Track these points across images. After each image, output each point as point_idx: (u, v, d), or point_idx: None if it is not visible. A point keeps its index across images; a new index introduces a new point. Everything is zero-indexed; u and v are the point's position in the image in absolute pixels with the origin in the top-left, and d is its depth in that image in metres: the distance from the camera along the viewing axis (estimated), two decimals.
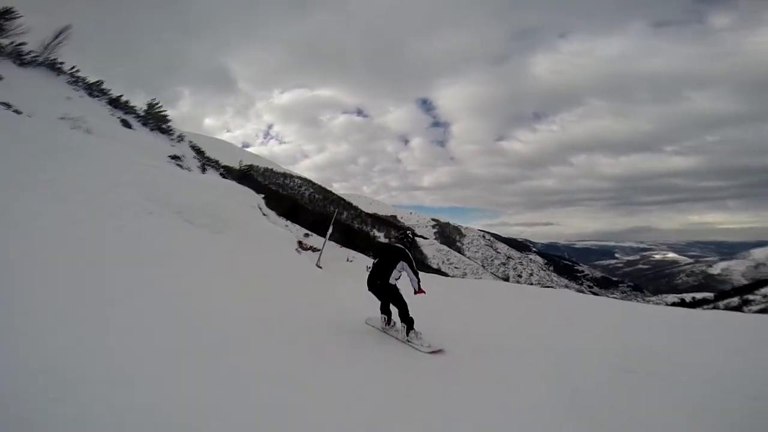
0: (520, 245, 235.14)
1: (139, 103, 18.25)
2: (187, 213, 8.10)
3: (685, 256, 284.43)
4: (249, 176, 38.29)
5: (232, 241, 8.39)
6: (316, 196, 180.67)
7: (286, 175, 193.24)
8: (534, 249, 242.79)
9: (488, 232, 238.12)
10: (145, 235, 6.38)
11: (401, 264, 4.89)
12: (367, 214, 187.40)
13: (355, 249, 29.64)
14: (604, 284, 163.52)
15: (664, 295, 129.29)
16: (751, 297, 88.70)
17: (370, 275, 5.05)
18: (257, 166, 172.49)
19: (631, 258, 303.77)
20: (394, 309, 5.05)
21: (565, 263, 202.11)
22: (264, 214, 14.33)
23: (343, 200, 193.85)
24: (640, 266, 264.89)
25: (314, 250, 23.94)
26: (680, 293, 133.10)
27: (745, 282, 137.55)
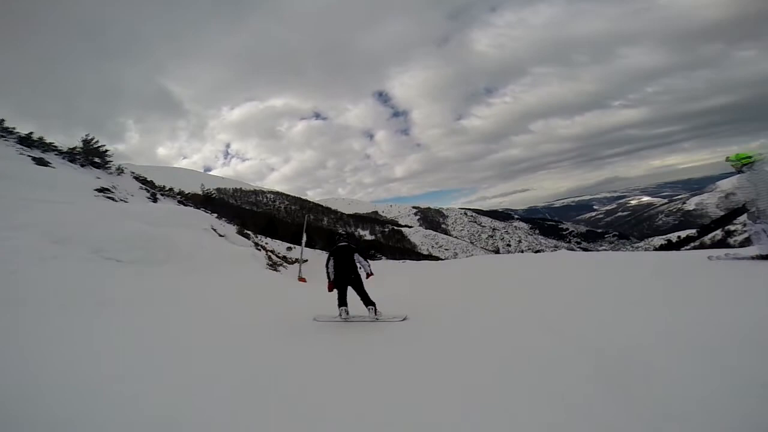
0: (502, 215, 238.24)
1: (74, 141, 17.30)
2: (109, 250, 6.88)
3: (658, 197, 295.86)
4: (213, 200, 35.83)
5: (173, 273, 7.40)
6: (292, 207, 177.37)
7: (257, 192, 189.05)
8: (516, 216, 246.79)
9: (469, 209, 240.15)
10: (42, 281, 5.28)
11: (356, 256, 5.74)
12: (348, 215, 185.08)
13: None
14: (591, 237, 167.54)
15: (650, 239, 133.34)
16: (731, 227, 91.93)
17: (339, 274, 5.68)
18: (226, 188, 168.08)
19: (609, 208, 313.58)
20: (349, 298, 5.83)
21: (549, 224, 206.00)
22: (221, 235, 13.50)
23: (321, 206, 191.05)
24: (620, 214, 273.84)
25: (300, 262, 22.01)
26: (664, 234, 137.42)
27: (721, 213, 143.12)
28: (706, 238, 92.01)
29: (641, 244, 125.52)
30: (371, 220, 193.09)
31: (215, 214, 18.33)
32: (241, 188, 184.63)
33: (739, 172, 6.06)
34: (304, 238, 15.92)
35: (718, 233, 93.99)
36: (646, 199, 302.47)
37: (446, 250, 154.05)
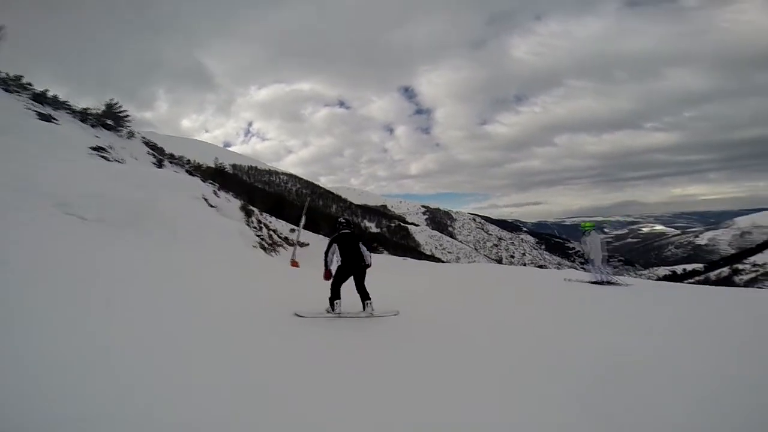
0: (511, 226, 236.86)
1: (99, 105, 17.83)
2: (75, 206, 6.69)
3: (672, 227, 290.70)
4: (225, 173, 36.76)
5: (138, 237, 7.03)
6: (303, 190, 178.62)
7: (271, 172, 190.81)
8: (524, 229, 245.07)
9: (478, 215, 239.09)
10: None
11: (360, 245, 5.50)
12: (357, 205, 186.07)
13: None
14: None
15: (655, 268, 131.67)
16: (740, 266, 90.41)
17: (350, 262, 5.41)
18: (241, 165, 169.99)
19: (619, 232, 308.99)
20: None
21: (556, 241, 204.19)
22: (211, 206, 13.29)
23: (332, 194, 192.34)
24: (630, 240, 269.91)
25: (302, 245, 22.81)
26: (670, 265, 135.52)
27: (732, 251, 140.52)
28: (712, 274, 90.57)
29: (645, 272, 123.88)
30: (379, 213, 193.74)
31: (215, 186, 18.99)
32: (256, 167, 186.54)
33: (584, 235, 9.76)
34: (303, 221, 15.97)
35: (725, 270, 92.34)
36: (659, 227, 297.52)
37: (449, 252, 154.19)
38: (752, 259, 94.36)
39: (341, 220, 5.87)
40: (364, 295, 5.34)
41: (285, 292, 6.77)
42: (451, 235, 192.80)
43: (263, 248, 13.90)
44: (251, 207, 20.21)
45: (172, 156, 21.58)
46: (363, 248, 5.40)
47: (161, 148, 21.39)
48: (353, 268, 5.37)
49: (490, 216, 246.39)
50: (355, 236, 5.50)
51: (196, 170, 23.08)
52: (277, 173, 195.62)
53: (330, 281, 5.33)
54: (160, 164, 17.62)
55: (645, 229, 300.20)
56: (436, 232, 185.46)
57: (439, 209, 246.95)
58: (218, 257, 8.24)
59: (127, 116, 18.47)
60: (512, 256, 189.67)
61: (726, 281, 72.82)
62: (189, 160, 24.72)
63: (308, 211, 17.50)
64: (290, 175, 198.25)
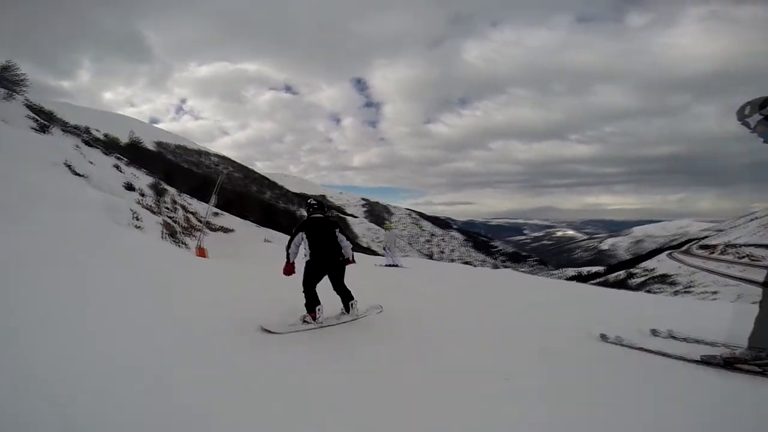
0: (443, 223, 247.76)
1: None
2: None
3: (581, 233, 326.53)
4: (140, 148, 33.64)
5: None
6: (236, 174, 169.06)
7: (201, 153, 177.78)
8: (455, 226, 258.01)
9: (414, 211, 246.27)
10: None
11: (338, 234, 4.40)
12: (294, 193, 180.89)
13: (276, 229, 28.11)
14: (515, 258, 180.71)
15: (564, 269, 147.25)
16: (633, 270, 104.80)
17: (322, 256, 4.26)
18: (167, 143, 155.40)
19: (537, 234, 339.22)
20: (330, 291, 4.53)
21: (482, 239, 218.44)
22: (77, 174, 10.81)
23: (267, 179, 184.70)
24: (545, 242, 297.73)
25: (225, 230, 21.96)
26: (578, 267, 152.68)
27: (629, 256, 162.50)
28: (611, 277, 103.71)
29: (556, 272, 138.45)
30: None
31: (124, 160, 17.18)
32: (185, 146, 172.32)
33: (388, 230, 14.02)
34: (214, 200, 14.17)
35: (621, 273, 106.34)
36: (570, 232, 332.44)
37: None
38: (643, 264, 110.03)
39: (311, 201, 4.68)
40: (346, 295, 4.39)
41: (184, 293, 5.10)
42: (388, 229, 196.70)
43: (172, 233, 12.46)
44: (165, 186, 18.76)
45: (66, 124, 18.90)
46: (341, 237, 4.33)
47: (50, 112, 18.61)
48: (327, 263, 4.28)
49: (425, 212, 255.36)
50: (330, 222, 4.38)
51: (97, 142, 20.70)
52: (207, 154, 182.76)
53: (289, 276, 4.25)
54: (42, 129, 14.98)
55: (559, 233, 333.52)
56: (373, 225, 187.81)
57: (378, 203, 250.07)
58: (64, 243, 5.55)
59: (23, 80, 16.22)
60: (442, 252, 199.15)
61: (622, 283, 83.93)
62: (86, 128, 22.13)
63: (222, 190, 16.00)
64: (222, 158, 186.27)
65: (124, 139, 35.21)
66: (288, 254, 4.25)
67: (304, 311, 4.10)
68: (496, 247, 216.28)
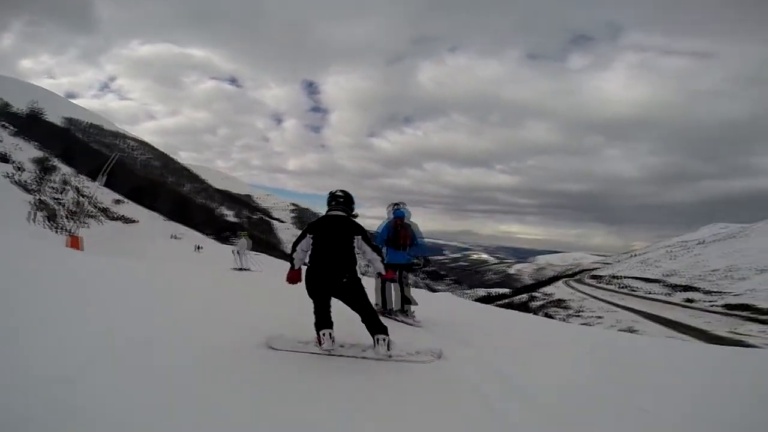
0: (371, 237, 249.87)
1: None
2: None
3: (493, 257, 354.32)
4: (39, 120, 29.25)
5: None
6: (154, 163, 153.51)
7: (117, 135, 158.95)
8: None
9: None
10: None
11: (357, 241, 3.21)
12: (217, 189, 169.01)
13: (188, 225, 26.07)
14: (434, 277, 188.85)
15: (477, 289, 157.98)
16: (535, 294, 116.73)
17: (319, 270, 3.14)
18: (79, 120, 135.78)
19: (456, 256, 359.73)
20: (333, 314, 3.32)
21: None
22: None
23: (188, 171, 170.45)
24: (462, 263, 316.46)
25: (127, 221, 19.85)
26: (488, 288, 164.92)
27: (531, 281, 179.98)
28: (516, 299, 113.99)
29: (469, 291, 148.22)
30: (242, 202, 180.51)
31: (9, 128, 14.95)
32: (101, 126, 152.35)
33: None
34: (102, 180, 12.58)
35: (524, 296, 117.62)
36: (484, 256, 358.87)
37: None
38: (543, 289, 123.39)
39: (337, 192, 3.44)
40: (375, 326, 3.13)
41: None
42: None
43: (51, 215, 10.68)
44: (56, 164, 16.52)
45: None
46: (364, 247, 3.23)
47: None
48: (326, 281, 3.13)
49: None
50: (349, 225, 3.26)
51: None
52: (125, 137, 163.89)
53: (294, 284, 3.32)
54: None
55: (474, 256, 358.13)
56: (300, 231, 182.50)
57: (308, 209, 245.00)
58: None
59: None
60: (368, 266, 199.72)
61: (524, 305, 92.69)
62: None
63: (112, 171, 14.31)
64: (142, 143, 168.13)
65: (23, 108, 30.13)
66: (292, 259, 3.30)
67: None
68: (418, 264, 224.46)
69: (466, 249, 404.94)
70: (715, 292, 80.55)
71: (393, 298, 5.02)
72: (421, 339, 3.77)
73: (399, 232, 4.92)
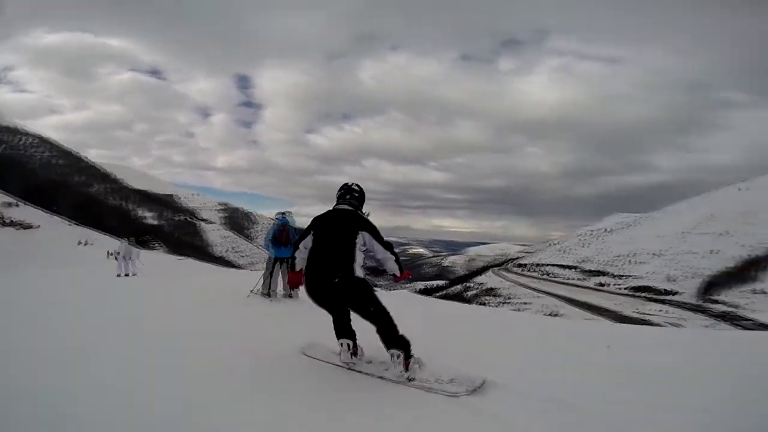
0: None
1: None
2: None
3: (429, 250, 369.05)
4: None
5: None
6: (57, 161, 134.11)
7: (13, 130, 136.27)
8: None
9: None
10: None
11: (362, 237, 2.77)
12: (134, 189, 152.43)
13: (100, 229, 23.10)
14: (376, 272, 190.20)
15: (416, 282, 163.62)
16: (469, 284, 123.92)
17: (313, 270, 2.76)
18: None
19: (396, 251, 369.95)
20: (355, 324, 2.93)
21: None
22: None
23: (98, 169, 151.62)
24: (402, 258, 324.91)
25: (22, 226, 17.02)
26: (425, 281, 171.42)
27: (464, 273, 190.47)
28: (451, 290, 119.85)
29: (409, 285, 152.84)
30: (163, 203, 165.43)
31: None
32: None
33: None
34: None
35: (459, 287, 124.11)
36: (421, 249, 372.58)
37: (245, 256, 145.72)
38: (476, 279, 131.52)
39: (352, 185, 3.11)
40: (390, 339, 2.64)
41: None
42: (249, 238, 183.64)
43: None
44: None
45: None
46: (372, 244, 2.82)
47: None
48: (318, 285, 2.75)
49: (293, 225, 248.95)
50: (353, 219, 2.86)
51: None
52: (23, 133, 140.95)
53: (298, 288, 3.00)
54: None
55: (412, 250, 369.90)
56: (231, 233, 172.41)
57: (239, 209, 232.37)
58: None
59: None
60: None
61: (460, 296, 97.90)
62: None
63: (36, 178, 13.12)
64: (43, 139, 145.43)
65: None
66: (293, 258, 2.98)
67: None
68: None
69: (405, 243, 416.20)
70: (621, 275, 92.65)
71: (280, 285, 6.41)
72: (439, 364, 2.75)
73: (282, 234, 6.31)
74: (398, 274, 2.91)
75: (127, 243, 13.41)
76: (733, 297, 67.37)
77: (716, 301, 67.30)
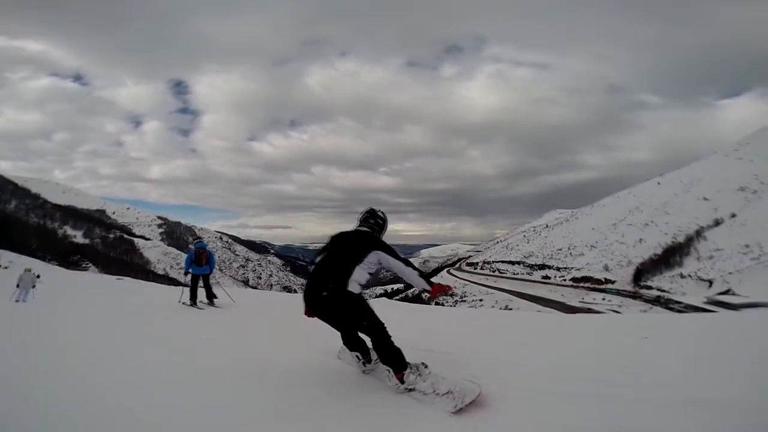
0: (259, 247, 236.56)
1: None
2: None
3: None
4: None
5: None
6: None
7: None
8: (272, 251, 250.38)
9: (226, 234, 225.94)
10: None
11: (374, 255, 2.64)
12: (56, 205, 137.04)
13: (17, 250, 20.39)
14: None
15: (374, 287, 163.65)
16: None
17: (307, 284, 2.73)
18: None
19: (416, 266, 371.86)
20: (364, 337, 2.84)
21: (300, 263, 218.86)
22: None
23: (14, 184, 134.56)
24: None
25: None
26: (383, 285, 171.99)
27: None
28: (409, 292, 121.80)
29: (367, 291, 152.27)
30: (93, 219, 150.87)
31: None
32: None
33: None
34: None
35: (416, 290, 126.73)
36: None
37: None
38: (432, 278, 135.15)
39: (379, 212, 3.07)
40: (382, 354, 2.58)
41: None
42: None
43: None
44: None
45: None
46: (391, 261, 2.66)
47: None
48: (311, 300, 2.67)
49: (239, 236, 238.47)
50: (367, 238, 2.79)
51: None
52: None
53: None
54: None
55: None
56: (172, 249, 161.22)
57: (180, 223, 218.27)
58: None
59: None
60: (259, 277, 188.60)
61: (418, 297, 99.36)
62: None
63: None
64: None
65: None
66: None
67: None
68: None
69: None
70: (563, 267, 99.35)
71: (202, 296, 7.67)
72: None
73: (200, 256, 7.67)
74: (428, 288, 2.70)
75: (28, 274, 12.98)
76: (663, 282, 74.90)
77: (649, 287, 74.28)
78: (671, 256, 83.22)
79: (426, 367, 2.54)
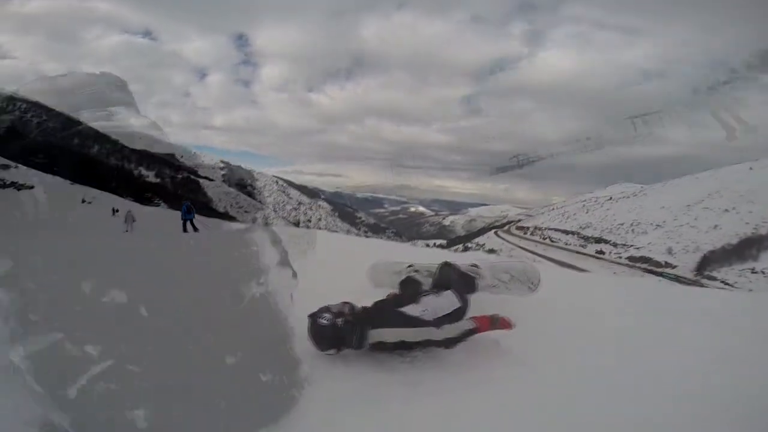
0: (311, 192, 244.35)
1: None
2: None
3: (429, 209, 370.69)
4: None
5: None
6: (49, 124, 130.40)
7: (5, 98, 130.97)
8: (323, 196, 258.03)
9: (282, 179, 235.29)
10: None
11: (452, 297, 2.57)
12: (133, 150, 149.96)
13: (100, 188, 23.32)
14: (376, 230, 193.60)
15: (415, 241, 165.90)
16: (469, 244, 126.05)
17: None
18: None
19: (395, 209, 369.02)
20: None
21: (347, 210, 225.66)
22: None
23: (95, 132, 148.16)
24: (401, 216, 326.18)
25: (16, 186, 17.08)
26: (426, 239, 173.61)
27: (464, 233, 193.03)
28: (452, 249, 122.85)
29: (408, 243, 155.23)
30: (164, 162, 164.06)
31: None
32: None
33: None
34: None
35: (460, 247, 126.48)
36: (421, 209, 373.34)
37: (246, 212, 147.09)
38: (476, 240, 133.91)
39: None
40: None
41: None
42: (250, 195, 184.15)
43: None
44: None
45: None
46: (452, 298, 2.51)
47: None
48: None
49: (294, 181, 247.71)
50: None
51: None
52: (12, 98, 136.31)
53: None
54: None
55: (412, 209, 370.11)
56: (232, 190, 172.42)
57: (240, 167, 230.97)
58: None
59: None
60: (309, 220, 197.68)
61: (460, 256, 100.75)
62: None
63: (33, 143, 12.98)
64: (34, 103, 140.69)
65: None
66: None
67: None
68: (359, 218, 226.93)
69: (405, 203, 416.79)
70: (621, 244, 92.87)
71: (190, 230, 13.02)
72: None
73: (190, 209, 14.32)
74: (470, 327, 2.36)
75: (128, 213, 16.61)
76: (729, 275, 67.47)
77: (713, 278, 66.87)
78: (747, 248, 73.78)
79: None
